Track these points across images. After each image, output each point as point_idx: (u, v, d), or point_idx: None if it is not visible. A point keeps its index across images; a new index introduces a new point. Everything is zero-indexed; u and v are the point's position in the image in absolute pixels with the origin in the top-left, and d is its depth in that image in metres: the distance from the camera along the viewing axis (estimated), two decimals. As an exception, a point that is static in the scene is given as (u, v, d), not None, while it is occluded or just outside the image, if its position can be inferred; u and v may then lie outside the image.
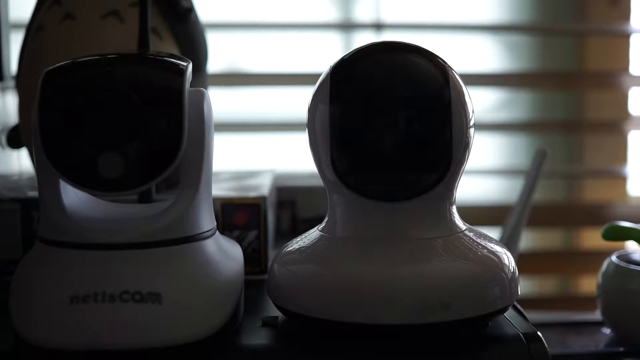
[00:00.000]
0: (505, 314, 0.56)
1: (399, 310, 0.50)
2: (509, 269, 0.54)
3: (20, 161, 0.87)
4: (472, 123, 0.54)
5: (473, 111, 0.54)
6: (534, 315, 0.61)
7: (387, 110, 0.52)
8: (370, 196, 0.53)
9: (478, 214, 1.19)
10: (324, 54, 1.22)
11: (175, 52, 0.72)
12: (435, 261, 0.52)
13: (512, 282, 0.54)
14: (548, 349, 0.53)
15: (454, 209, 0.55)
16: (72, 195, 0.53)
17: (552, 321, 0.82)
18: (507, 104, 1.27)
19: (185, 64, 0.52)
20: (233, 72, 1.22)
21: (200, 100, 0.53)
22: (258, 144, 1.22)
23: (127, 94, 0.49)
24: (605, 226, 0.76)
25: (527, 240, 1.27)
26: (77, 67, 0.51)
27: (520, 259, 1.11)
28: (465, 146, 0.53)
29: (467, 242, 0.54)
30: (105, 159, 0.49)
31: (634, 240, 0.75)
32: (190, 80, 0.52)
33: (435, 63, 0.54)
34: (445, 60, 0.54)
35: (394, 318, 0.50)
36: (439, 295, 0.50)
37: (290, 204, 0.85)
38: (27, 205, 0.67)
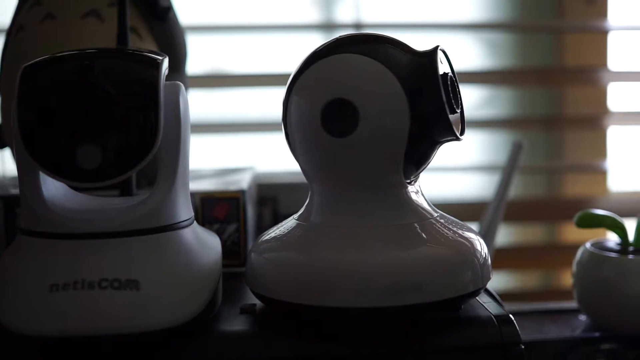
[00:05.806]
0: (479, 298, 0.57)
1: (373, 293, 0.51)
2: (480, 254, 0.55)
3: (4, 161, 0.88)
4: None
5: None
6: (512, 305, 0.62)
7: None
8: None
9: (460, 211, 1.18)
10: (305, 54, 1.22)
11: (155, 50, 0.73)
12: (405, 245, 0.53)
13: (484, 266, 0.55)
14: (520, 333, 0.53)
15: (423, 198, 0.56)
16: (51, 188, 0.54)
17: (529, 310, 0.82)
18: (487, 101, 1.28)
19: (161, 58, 0.53)
20: (215, 73, 1.22)
21: (176, 93, 0.54)
22: (241, 144, 1.22)
23: (103, 87, 0.50)
24: (578, 214, 0.76)
25: (509, 235, 1.28)
26: (54, 62, 0.52)
27: (502, 254, 1.12)
28: None
29: (439, 228, 0.55)
30: (82, 150, 0.50)
31: (606, 227, 0.76)
32: (166, 73, 0.53)
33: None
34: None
35: (368, 301, 0.51)
36: (410, 278, 0.51)
37: (272, 200, 0.85)
38: (10, 203, 0.68)
